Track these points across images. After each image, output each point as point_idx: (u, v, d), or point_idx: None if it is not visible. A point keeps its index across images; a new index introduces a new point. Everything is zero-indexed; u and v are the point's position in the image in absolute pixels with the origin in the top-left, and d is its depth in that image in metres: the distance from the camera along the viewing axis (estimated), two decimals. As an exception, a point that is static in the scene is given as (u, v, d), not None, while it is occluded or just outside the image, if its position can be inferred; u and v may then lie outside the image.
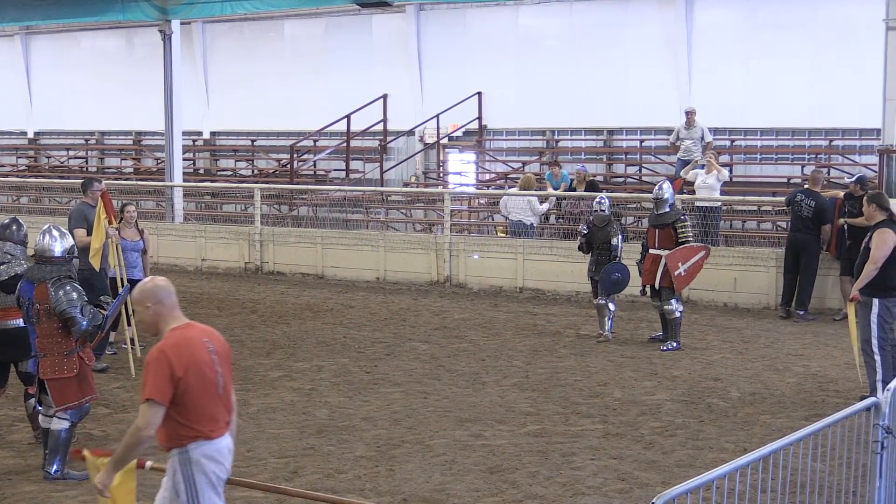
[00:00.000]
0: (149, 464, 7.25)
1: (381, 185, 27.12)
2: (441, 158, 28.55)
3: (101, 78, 33.45)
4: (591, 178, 23.82)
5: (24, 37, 34.99)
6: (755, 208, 23.09)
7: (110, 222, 14.24)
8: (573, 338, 16.62)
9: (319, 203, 25.37)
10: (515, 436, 11.26)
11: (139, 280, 14.45)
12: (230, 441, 6.82)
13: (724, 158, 24.39)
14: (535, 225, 21.81)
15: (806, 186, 18.86)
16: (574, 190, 22.80)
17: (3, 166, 35.59)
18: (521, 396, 12.94)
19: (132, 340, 14.41)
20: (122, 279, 14.48)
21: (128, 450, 6.63)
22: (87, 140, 34.50)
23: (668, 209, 15.97)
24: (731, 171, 23.69)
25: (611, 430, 11.49)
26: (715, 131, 24.42)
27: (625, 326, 17.31)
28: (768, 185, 24.29)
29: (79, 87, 33.92)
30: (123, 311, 13.84)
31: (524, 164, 27.24)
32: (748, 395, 13.06)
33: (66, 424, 9.77)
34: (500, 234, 23.14)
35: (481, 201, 26.05)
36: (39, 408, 10.10)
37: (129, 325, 14.40)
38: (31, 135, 35.58)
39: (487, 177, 27.96)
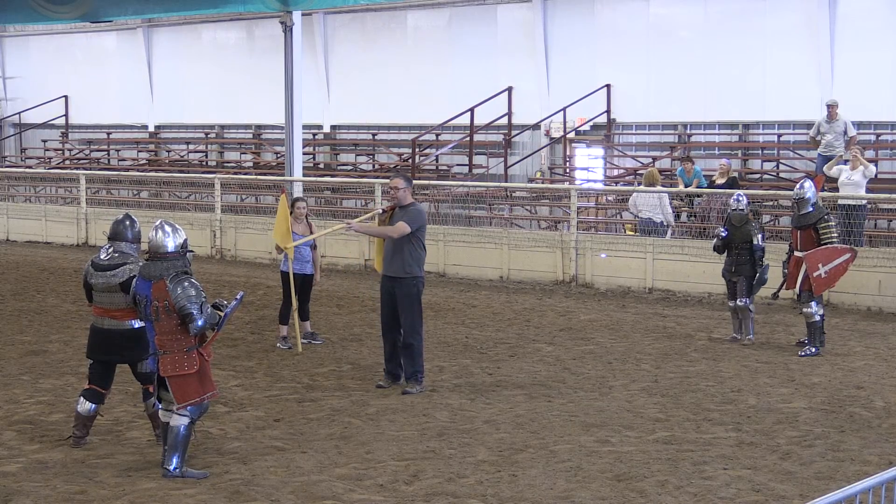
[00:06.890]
0: None
1: (506, 181, 27.10)
2: (568, 153, 28.26)
3: (221, 71, 34.11)
4: (735, 174, 23.34)
5: (146, 30, 35.60)
6: (903, 207, 22.44)
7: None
8: (705, 341, 16.33)
9: (441, 199, 25.30)
10: (644, 443, 11.06)
11: (311, 275, 15.62)
12: None
13: (870, 154, 23.81)
14: (664, 223, 21.58)
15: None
16: (711, 186, 22.47)
17: (123, 160, 36.33)
18: (649, 402, 12.74)
19: (313, 335, 16.00)
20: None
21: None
22: (206, 134, 35.05)
23: (810, 209, 15.51)
24: (877, 168, 22.93)
25: (744, 439, 11.18)
26: (859, 125, 23.72)
27: (760, 330, 16.93)
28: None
29: (199, 80, 34.59)
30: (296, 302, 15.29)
31: (654, 159, 26.86)
32: (894, 405, 12.60)
33: (185, 421, 9.88)
34: (629, 233, 22.96)
35: (609, 198, 25.82)
36: (159, 405, 10.21)
37: (304, 319, 15.80)
38: (151, 128, 36.20)
39: (616, 172, 27.76)
